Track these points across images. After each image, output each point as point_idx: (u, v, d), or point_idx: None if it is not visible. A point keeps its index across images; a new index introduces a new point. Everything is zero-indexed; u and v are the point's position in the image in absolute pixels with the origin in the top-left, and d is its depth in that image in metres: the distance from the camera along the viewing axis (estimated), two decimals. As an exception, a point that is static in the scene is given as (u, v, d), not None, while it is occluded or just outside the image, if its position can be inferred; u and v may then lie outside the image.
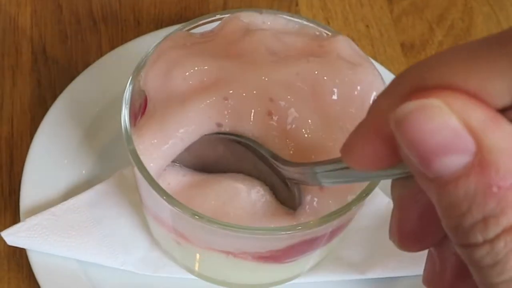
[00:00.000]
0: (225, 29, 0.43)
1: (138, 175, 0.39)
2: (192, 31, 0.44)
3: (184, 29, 0.44)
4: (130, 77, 0.41)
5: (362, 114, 0.39)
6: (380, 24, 0.64)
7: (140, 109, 0.42)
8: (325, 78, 0.40)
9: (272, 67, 0.39)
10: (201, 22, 0.44)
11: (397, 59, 0.62)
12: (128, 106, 0.41)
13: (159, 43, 0.43)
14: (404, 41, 0.63)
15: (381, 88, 0.41)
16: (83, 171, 0.52)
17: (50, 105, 0.53)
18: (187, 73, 0.40)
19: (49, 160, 0.51)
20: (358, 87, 0.40)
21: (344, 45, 0.42)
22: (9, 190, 0.53)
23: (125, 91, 0.41)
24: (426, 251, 0.47)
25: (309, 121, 0.39)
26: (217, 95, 0.39)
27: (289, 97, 0.39)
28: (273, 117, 0.39)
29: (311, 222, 0.38)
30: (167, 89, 0.40)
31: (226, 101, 0.39)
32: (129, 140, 0.39)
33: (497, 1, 0.65)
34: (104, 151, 0.52)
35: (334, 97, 0.40)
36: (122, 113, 0.40)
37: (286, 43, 0.42)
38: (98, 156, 0.52)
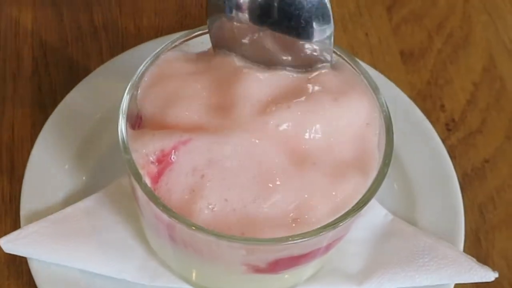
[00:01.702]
0: (216, 61, 0.44)
1: (135, 185, 0.39)
2: (189, 42, 0.45)
3: (181, 40, 0.44)
4: (127, 89, 0.42)
5: (352, 144, 0.41)
6: (379, 32, 0.64)
7: (137, 119, 0.43)
8: (306, 120, 0.41)
9: (254, 128, 0.40)
10: (196, 33, 0.45)
11: (396, 67, 0.62)
12: (124, 116, 0.41)
13: (156, 58, 0.43)
14: (403, 49, 0.63)
15: (371, 113, 0.42)
16: (83, 177, 0.52)
17: (51, 111, 0.53)
18: (178, 116, 0.41)
19: (49, 165, 0.51)
20: (342, 120, 0.41)
21: (330, 76, 0.43)
22: (10, 196, 0.53)
23: (122, 103, 0.41)
24: (419, 269, 0.47)
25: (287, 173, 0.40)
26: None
27: (268, 151, 0.40)
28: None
29: (308, 233, 0.38)
30: (161, 118, 0.42)
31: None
32: (126, 150, 0.40)
33: (496, 9, 0.66)
34: (104, 157, 0.53)
35: (316, 135, 0.41)
36: (118, 124, 0.41)
37: (273, 86, 0.42)
38: (98, 161, 0.52)
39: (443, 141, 0.54)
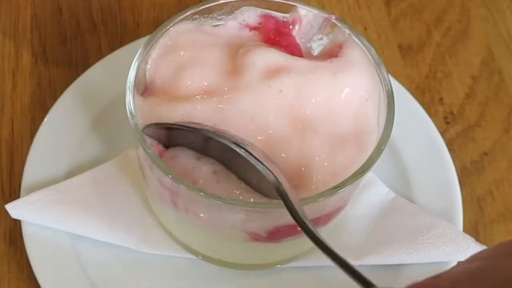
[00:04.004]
0: (230, 36, 0.46)
1: (140, 149, 0.40)
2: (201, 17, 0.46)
3: (189, 13, 0.46)
4: (135, 58, 0.43)
5: (352, 118, 0.42)
6: (378, 26, 0.64)
7: (145, 88, 0.44)
8: (305, 89, 0.42)
9: (258, 90, 0.42)
10: (207, 5, 0.46)
11: (395, 60, 0.62)
12: (132, 84, 0.42)
13: (165, 30, 0.44)
14: (402, 42, 0.63)
15: (372, 90, 0.43)
16: (83, 172, 0.52)
17: (50, 107, 0.53)
18: (190, 82, 0.43)
19: (49, 161, 0.51)
20: (341, 94, 0.43)
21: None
22: (10, 191, 0.53)
23: (130, 72, 0.42)
24: (418, 246, 0.47)
25: (288, 137, 0.41)
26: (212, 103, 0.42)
27: (270, 115, 0.41)
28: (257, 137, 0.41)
29: (307, 198, 0.39)
30: (172, 86, 0.43)
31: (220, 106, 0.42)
32: (132, 115, 0.41)
33: (494, 3, 0.66)
34: (104, 153, 0.53)
35: (316, 104, 0.42)
36: (126, 92, 0.41)
37: (280, 58, 0.44)
38: (98, 157, 0.52)
39: (442, 134, 0.54)
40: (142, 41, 0.56)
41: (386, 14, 0.65)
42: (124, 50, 0.57)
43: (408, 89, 0.57)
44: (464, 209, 0.51)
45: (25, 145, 0.55)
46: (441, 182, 0.52)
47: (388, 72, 0.56)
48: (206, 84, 0.43)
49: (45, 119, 0.53)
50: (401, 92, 0.56)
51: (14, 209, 0.48)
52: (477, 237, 0.53)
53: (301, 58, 0.44)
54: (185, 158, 0.41)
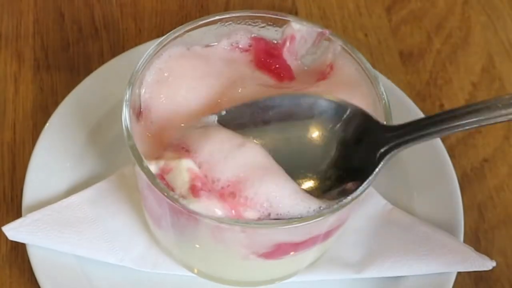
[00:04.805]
0: (222, 58, 0.46)
1: (138, 171, 0.40)
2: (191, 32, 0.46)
3: (183, 30, 0.45)
4: (129, 79, 0.42)
5: None
6: (379, 33, 0.64)
7: (140, 112, 0.44)
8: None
9: None
10: (200, 23, 0.46)
11: (396, 67, 0.62)
12: (128, 105, 0.42)
13: (159, 49, 0.44)
14: (402, 49, 0.63)
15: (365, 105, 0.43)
16: (85, 175, 0.52)
17: (52, 112, 0.53)
18: (185, 115, 0.44)
19: (51, 165, 0.51)
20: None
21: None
22: (11, 196, 0.53)
23: (125, 92, 0.42)
24: (418, 257, 0.47)
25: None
26: None
27: None
28: None
29: (307, 217, 0.39)
30: (170, 114, 0.44)
31: None
32: (129, 136, 0.40)
33: (494, 10, 0.66)
34: (105, 156, 0.53)
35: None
36: (122, 113, 0.41)
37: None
38: (100, 161, 0.53)
39: (443, 141, 0.55)
40: (144, 47, 0.57)
41: (387, 21, 0.65)
42: (125, 55, 0.57)
43: (409, 96, 0.57)
44: (465, 215, 0.51)
45: (27, 150, 0.55)
46: (442, 189, 0.52)
47: (389, 78, 0.57)
48: (204, 115, 0.43)
49: (47, 125, 0.53)
50: (402, 99, 0.56)
51: (11, 231, 0.47)
52: (477, 243, 0.53)
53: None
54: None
